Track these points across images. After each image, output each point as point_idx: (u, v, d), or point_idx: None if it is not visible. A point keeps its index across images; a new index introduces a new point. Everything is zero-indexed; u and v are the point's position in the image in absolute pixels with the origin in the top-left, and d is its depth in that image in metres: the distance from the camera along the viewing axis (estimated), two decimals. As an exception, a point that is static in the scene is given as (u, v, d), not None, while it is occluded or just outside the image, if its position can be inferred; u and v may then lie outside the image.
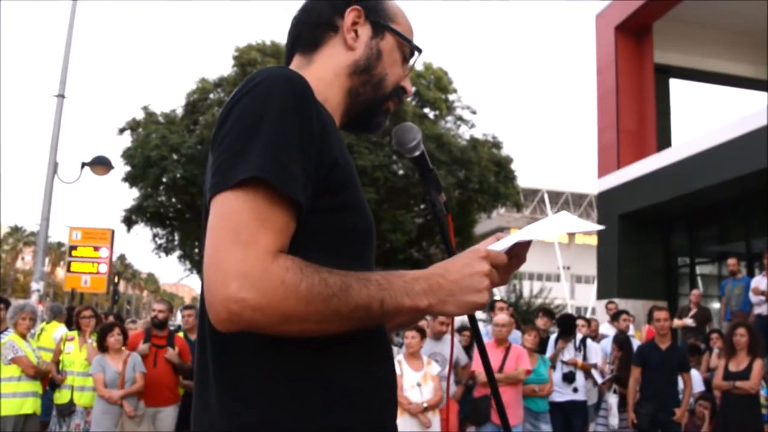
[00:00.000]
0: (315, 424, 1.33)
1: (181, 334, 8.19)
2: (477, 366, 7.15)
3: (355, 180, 1.49)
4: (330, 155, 1.39)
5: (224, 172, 1.28)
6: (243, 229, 1.23)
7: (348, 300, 1.26)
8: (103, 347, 6.93)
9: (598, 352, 8.56)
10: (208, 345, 1.41)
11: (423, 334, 6.81)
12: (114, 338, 6.92)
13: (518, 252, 1.51)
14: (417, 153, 1.65)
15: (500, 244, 1.47)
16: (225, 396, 1.35)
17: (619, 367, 8.22)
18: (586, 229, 1.52)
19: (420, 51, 1.68)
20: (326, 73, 1.57)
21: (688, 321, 11.36)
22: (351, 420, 1.37)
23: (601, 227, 1.66)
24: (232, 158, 1.28)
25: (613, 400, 8.03)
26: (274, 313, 1.21)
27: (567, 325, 8.47)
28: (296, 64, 1.62)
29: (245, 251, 1.22)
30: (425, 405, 6.45)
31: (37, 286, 12.94)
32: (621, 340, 8.67)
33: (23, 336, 6.96)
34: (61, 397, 7.21)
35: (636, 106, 16.80)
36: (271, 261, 1.23)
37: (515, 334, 8.59)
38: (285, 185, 1.27)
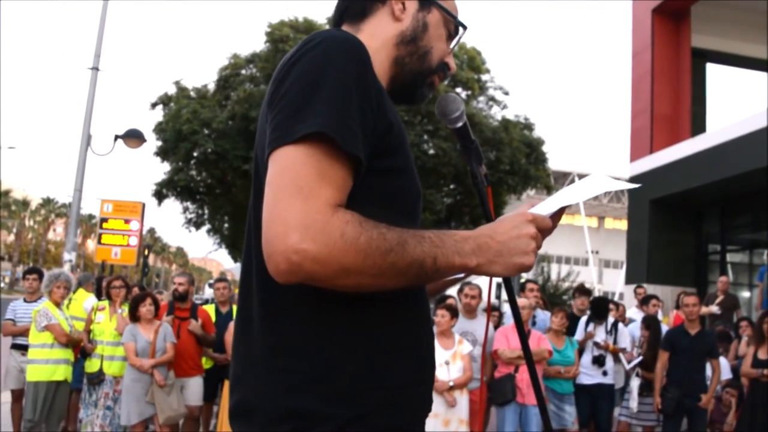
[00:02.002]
0: (361, 382, 1.36)
1: (211, 307, 8.27)
2: (499, 345, 7.13)
3: (407, 145, 1.51)
4: (385, 118, 1.41)
5: (285, 127, 1.30)
6: (304, 182, 1.25)
7: (404, 255, 1.28)
8: (135, 317, 7.01)
9: (627, 337, 8.53)
10: (254, 304, 1.43)
11: (453, 312, 6.80)
12: (146, 308, 6.99)
13: (552, 216, 1.53)
14: (459, 124, 1.66)
15: (543, 208, 1.49)
16: (272, 354, 1.37)
17: (647, 348, 8.20)
18: (622, 187, 1.55)
19: (465, 28, 1.72)
20: (373, 42, 1.59)
21: (714, 308, 11.26)
22: (396, 379, 1.40)
23: (636, 185, 1.76)
24: (293, 115, 1.31)
25: (635, 383, 8.00)
26: (334, 266, 1.23)
27: (601, 308, 8.44)
28: None
29: (306, 204, 1.24)
30: (451, 384, 6.46)
31: (69, 256, 13.12)
32: (649, 321, 8.64)
33: (57, 304, 7.07)
34: (91, 365, 7.30)
35: (671, 90, 16.58)
36: (332, 214, 1.25)
37: (544, 316, 8.58)
38: (346, 141, 1.29)
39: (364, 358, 1.37)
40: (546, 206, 1.49)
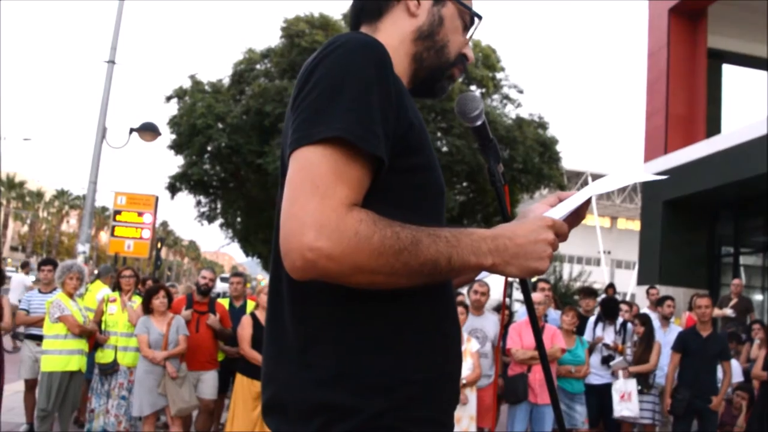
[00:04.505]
0: (388, 377, 1.38)
1: (225, 300, 8.30)
2: (512, 343, 7.14)
3: (429, 143, 1.53)
4: (406, 117, 1.44)
5: (306, 129, 1.33)
6: (320, 181, 1.28)
7: (418, 254, 1.30)
8: (148, 309, 7.06)
9: (635, 337, 8.52)
10: (284, 302, 1.46)
11: (465, 310, 6.82)
12: (159, 301, 7.04)
13: (578, 210, 1.57)
14: (479, 123, 1.68)
15: (565, 206, 1.53)
16: (302, 350, 1.40)
17: (639, 343, 8.21)
18: (650, 178, 1.61)
19: (480, 18, 1.73)
20: (392, 41, 1.62)
21: (728, 311, 11.22)
22: (422, 374, 1.42)
23: (664, 177, 1.77)
24: (313, 116, 1.34)
25: (617, 385, 7.93)
26: (347, 263, 1.26)
27: (610, 308, 8.45)
28: None
29: (322, 202, 1.27)
30: (463, 381, 6.48)
31: (82, 248, 13.20)
32: (643, 318, 8.66)
33: (70, 295, 7.11)
34: (105, 356, 7.34)
35: (686, 91, 16.48)
36: (346, 212, 1.27)
37: (555, 315, 8.59)
38: (365, 141, 1.31)
39: (391, 353, 1.39)
40: (572, 202, 1.52)
